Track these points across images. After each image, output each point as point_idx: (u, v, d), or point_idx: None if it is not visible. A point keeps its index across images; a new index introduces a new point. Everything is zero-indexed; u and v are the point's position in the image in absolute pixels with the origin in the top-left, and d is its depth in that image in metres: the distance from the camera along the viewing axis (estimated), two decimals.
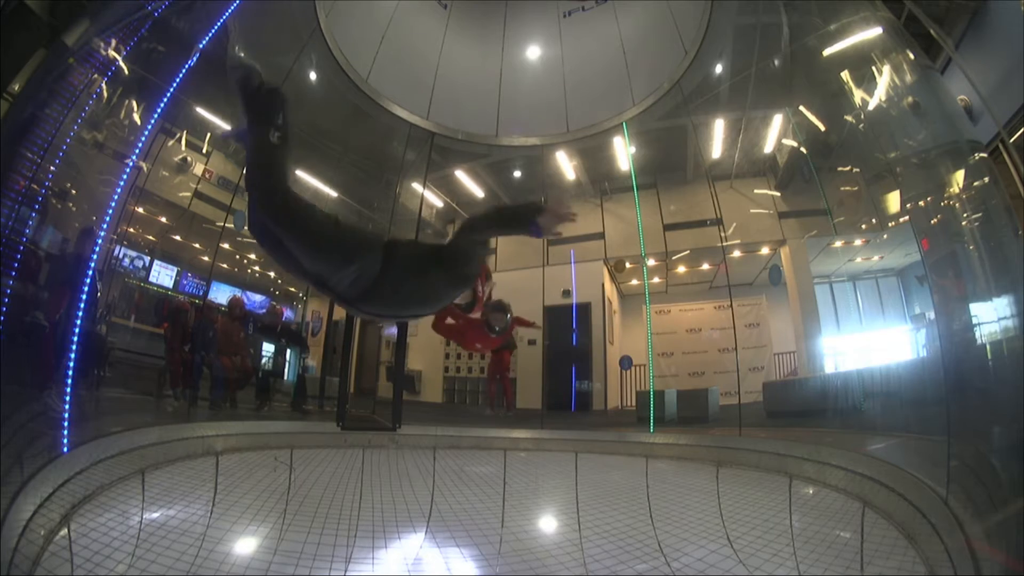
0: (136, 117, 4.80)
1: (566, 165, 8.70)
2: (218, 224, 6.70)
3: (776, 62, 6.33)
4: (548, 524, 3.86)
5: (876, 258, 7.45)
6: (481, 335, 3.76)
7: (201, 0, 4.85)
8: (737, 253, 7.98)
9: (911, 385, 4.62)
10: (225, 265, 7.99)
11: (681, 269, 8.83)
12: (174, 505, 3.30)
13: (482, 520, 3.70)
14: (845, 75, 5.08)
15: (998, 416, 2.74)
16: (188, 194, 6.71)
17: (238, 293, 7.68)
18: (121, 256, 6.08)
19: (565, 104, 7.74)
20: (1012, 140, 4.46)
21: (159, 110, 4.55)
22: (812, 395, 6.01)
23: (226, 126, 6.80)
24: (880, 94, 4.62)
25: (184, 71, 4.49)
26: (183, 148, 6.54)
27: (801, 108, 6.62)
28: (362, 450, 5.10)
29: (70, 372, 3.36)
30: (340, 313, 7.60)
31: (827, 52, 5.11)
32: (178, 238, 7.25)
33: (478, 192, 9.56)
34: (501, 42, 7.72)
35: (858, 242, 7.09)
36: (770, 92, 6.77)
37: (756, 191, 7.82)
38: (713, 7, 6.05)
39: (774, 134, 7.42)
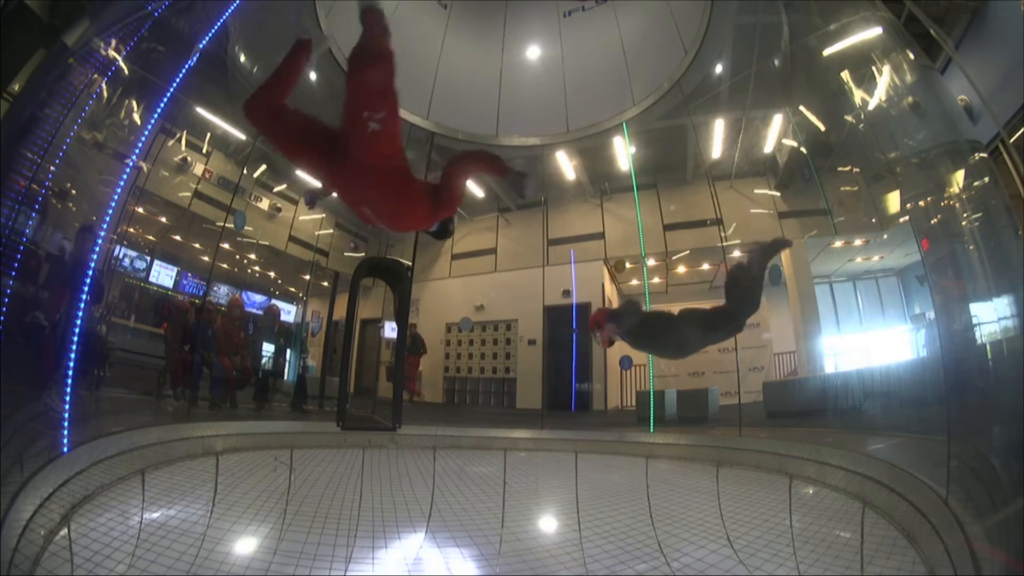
0: (136, 117, 4.80)
1: (566, 165, 8.70)
2: (218, 224, 6.69)
3: (776, 62, 6.33)
4: (548, 524, 3.86)
5: (876, 258, 7.45)
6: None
7: (201, 0, 4.85)
8: (737, 253, 7.97)
9: (911, 385, 4.62)
10: (225, 265, 7.99)
11: (681, 269, 8.83)
12: (174, 505, 3.30)
13: (482, 520, 3.70)
14: (845, 75, 5.07)
15: (998, 416, 2.74)
16: (188, 194, 6.71)
17: (237, 293, 7.69)
18: (121, 256, 6.07)
19: (565, 104, 7.74)
20: (1012, 140, 4.45)
21: (159, 110, 4.54)
22: (812, 395, 6.00)
23: (225, 125, 6.81)
24: (880, 94, 4.62)
25: (184, 71, 4.48)
26: (183, 148, 6.54)
27: (801, 108, 6.62)
28: (362, 450, 5.10)
29: (70, 372, 3.36)
30: (340, 313, 7.60)
31: (827, 52, 5.10)
32: (178, 238, 7.25)
33: (478, 192, 9.56)
34: (501, 42, 7.72)
35: (858, 242, 7.09)
36: (770, 92, 6.77)
37: (756, 191, 7.82)
38: (713, 7, 6.05)
39: (774, 134, 7.42)
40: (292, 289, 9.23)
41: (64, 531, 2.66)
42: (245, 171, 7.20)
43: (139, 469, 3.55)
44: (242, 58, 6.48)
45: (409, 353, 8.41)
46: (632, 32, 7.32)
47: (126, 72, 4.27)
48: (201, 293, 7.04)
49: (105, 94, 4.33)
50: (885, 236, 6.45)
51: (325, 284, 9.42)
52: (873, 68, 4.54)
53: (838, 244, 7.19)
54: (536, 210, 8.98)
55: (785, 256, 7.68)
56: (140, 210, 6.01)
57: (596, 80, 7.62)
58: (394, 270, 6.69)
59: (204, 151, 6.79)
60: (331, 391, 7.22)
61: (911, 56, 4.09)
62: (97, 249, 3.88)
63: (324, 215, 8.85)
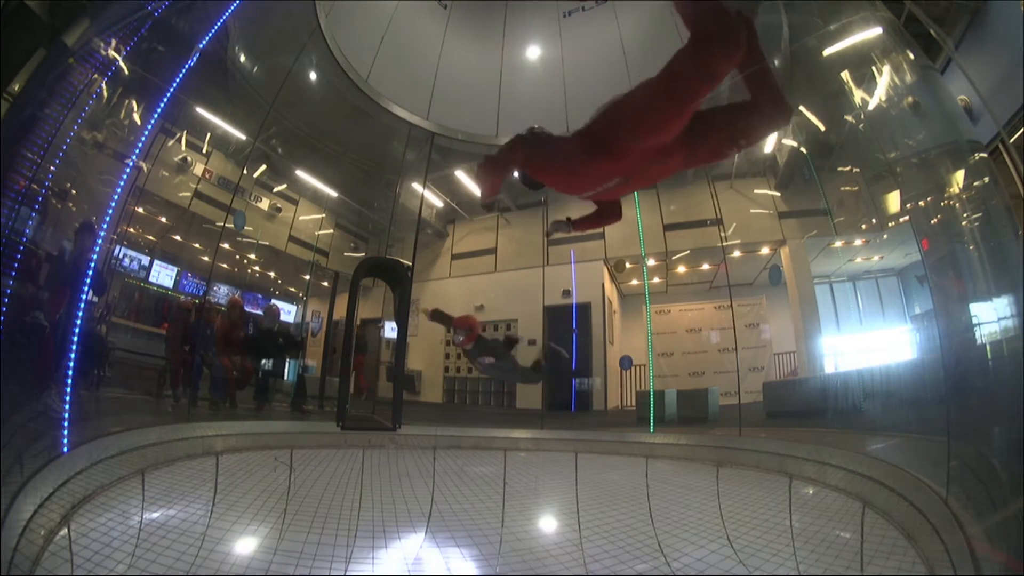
0: (136, 117, 4.80)
1: None
2: (218, 224, 6.69)
3: (776, 62, 6.31)
4: (548, 524, 3.86)
5: (876, 258, 7.46)
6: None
7: (201, 0, 4.85)
8: (737, 253, 7.98)
9: (911, 385, 4.62)
10: (225, 265, 7.99)
11: (681, 269, 8.83)
12: (174, 505, 3.30)
13: (482, 520, 3.69)
14: (845, 75, 5.07)
15: (998, 416, 2.73)
16: (188, 194, 6.71)
17: (237, 293, 7.69)
18: (121, 256, 6.08)
19: (565, 104, 7.73)
20: (1012, 140, 4.45)
21: (159, 110, 4.54)
22: (812, 395, 6.01)
23: (225, 125, 6.81)
24: (880, 94, 4.61)
25: (184, 71, 4.48)
26: (183, 148, 6.54)
27: (801, 108, 6.61)
28: (362, 450, 5.10)
29: (70, 372, 3.36)
30: (340, 312, 7.60)
31: (827, 52, 5.10)
32: (178, 238, 7.25)
33: (478, 192, 9.56)
34: (501, 42, 7.73)
35: (858, 242, 7.10)
36: None
37: (756, 191, 7.82)
38: None
39: (774, 134, 7.42)
40: (292, 289, 9.23)
41: (64, 531, 2.66)
42: (245, 171, 7.20)
43: (139, 469, 3.55)
44: (242, 58, 6.49)
45: (357, 351, 8.50)
46: (632, 32, 7.32)
47: (126, 72, 4.27)
48: (201, 293, 7.04)
49: (105, 94, 4.33)
50: (885, 236, 6.46)
51: (325, 284, 9.43)
52: (873, 68, 4.53)
53: (838, 244, 7.20)
54: (536, 210, 8.99)
55: (785, 256, 7.69)
56: (140, 210, 6.02)
57: (596, 80, 7.61)
58: (394, 270, 6.69)
59: (204, 151, 6.80)
60: (331, 391, 7.22)
61: (911, 56, 4.08)
62: (97, 249, 3.87)
63: (324, 215, 8.85)
